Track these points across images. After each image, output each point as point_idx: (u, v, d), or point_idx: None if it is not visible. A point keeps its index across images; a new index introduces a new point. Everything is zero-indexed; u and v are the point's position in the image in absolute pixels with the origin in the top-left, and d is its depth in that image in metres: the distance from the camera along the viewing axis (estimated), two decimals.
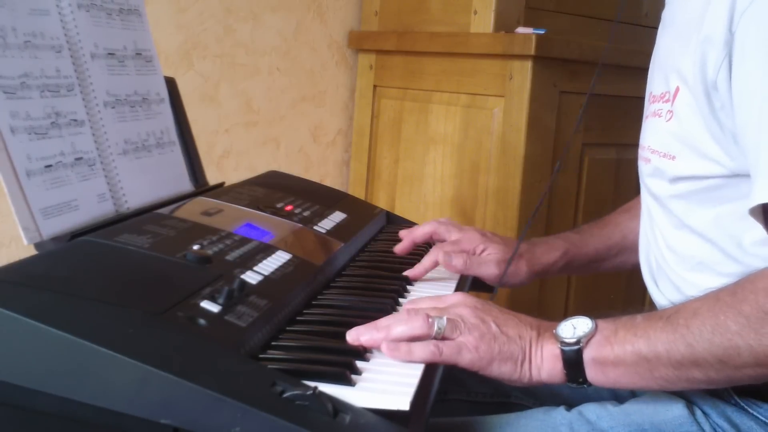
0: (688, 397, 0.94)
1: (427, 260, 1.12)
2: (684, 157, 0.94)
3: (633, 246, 1.17)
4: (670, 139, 0.96)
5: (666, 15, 1.06)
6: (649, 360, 0.81)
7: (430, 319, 0.82)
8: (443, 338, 0.83)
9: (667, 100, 0.97)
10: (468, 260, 1.13)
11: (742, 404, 0.92)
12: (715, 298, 0.81)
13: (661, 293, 1.04)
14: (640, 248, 1.11)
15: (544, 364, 0.84)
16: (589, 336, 0.83)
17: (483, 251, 1.16)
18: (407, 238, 1.20)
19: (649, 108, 1.04)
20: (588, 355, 0.83)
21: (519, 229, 1.76)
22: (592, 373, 0.83)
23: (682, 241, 0.98)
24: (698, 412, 0.92)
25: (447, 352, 0.81)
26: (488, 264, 1.15)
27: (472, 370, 0.83)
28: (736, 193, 0.90)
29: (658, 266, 1.04)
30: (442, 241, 1.20)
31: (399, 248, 1.19)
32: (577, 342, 0.83)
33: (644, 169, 1.05)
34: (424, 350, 0.80)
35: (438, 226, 1.21)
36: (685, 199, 0.96)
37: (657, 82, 1.02)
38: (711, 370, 0.79)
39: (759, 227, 0.84)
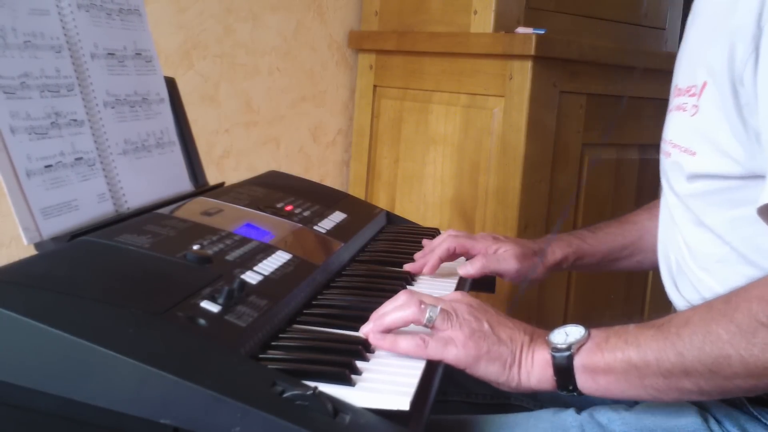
0: (700, 403, 0.93)
1: (433, 255, 1.13)
2: (704, 154, 0.93)
3: (649, 247, 1.16)
4: (693, 134, 0.94)
5: (697, 5, 1.04)
6: (638, 368, 0.80)
7: (422, 306, 0.82)
8: (434, 327, 0.83)
9: (693, 94, 0.95)
10: (485, 260, 1.14)
11: (755, 413, 0.91)
12: (708, 306, 0.80)
13: (680, 294, 1.02)
14: (658, 247, 1.09)
15: (535, 369, 0.83)
16: (581, 343, 0.82)
17: (497, 251, 1.17)
18: (432, 257, 1.15)
19: (673, 101, 1.02)
20: (578, 361, 0.82)
21: (519, 229, 1.76)
22: (582, 381, 0.82)
23: (700, 238, 0.96)
24: (711, 420, 0.91)
25: (433, 346, 0.81)
26: (507, 260, 1.16)
27: (458, 368, 0.83)
28: (754, 195, 0.87)
29: (678, 265, 1.02)
30: (463, 253, 1.19)
31: (427, 269, 1.14)
32: (568, 348, 0.82)
33: (665, 162, 1.03)
34: (409, 343, 0.80)
35: (455, 239, 1.18)
36: (701, 199, 0.95)
37: (684, 74, 1.00)
38: (701, 379, 0.78)
39: None
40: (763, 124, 0.84)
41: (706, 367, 0.77)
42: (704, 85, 0.92)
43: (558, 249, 1.22)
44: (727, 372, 0.77)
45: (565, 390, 0.83)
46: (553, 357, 0.83)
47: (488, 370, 0.83)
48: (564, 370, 0.82)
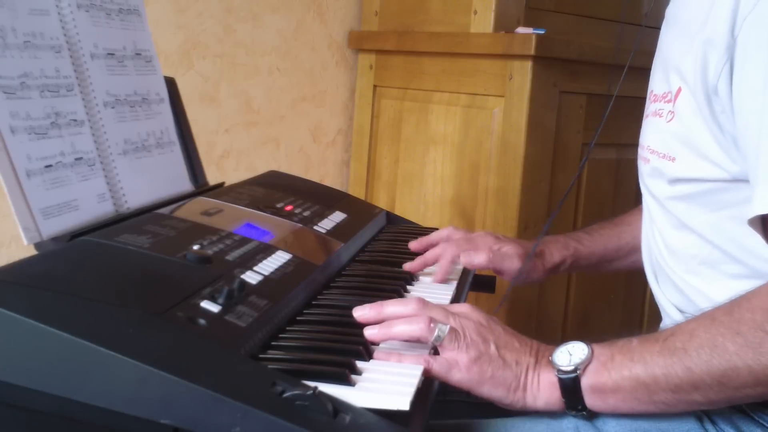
0: None
1: (444, 261, 1.11)
2: (684, 159, 0.93)
3: None
4: (671, 140, 0.95)
5: (670, 12, 1.05)
6: (647, 385, 0.80)
7: (432, 324, 0.82)
8: (440, 346, 0.82)
9: (669, 101, 0.95)
10: (491, 255, 1.14)
11: (751, 413, 0.91)
12: (710, 317, 0.80)
13: (663, 295, 1.03)
14: (642, 248, 1.10)
15: (542, 392, 0.83)
16: (586, 363, 0.82)
17: (500, 248, 1.17)
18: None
19: (649, 107, 1.03)
20: (586, 382, 0.82)
21: (519, 229, 1.76)
22: (591, 401, 0.82)
23: (682, 241, 0.97)
24: (706, 420, 0.91)
25: (437, 368, 0.80)
26: (511, 258, 1.16)
27: (462, 389, 0.82)
28: (737, 197, 0.88)
29: (659, 267, 1.03)
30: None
31: (410, 265, 1.13)
32: (575, 370, 0.82)
33: (643, 169, 1.04)
34: (415, 362, 0.80)
35: (457, 248, 1.15)
36: (684, 201, 0.95)
37: (659, 80, 1.01)
38: (710, 392, 0.78)
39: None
40: (741, 133, 0.85)
41: (715, 380, 0.78)
42: (679, 90, 0.93)
43: (556, 252, 1.23)
44: (736, 383, 0.77)
45: (574, 410, 0.83)
46: (560, 380, 0.82)
47: (492, 394, 0.83)
48: (572, 392, 0.82)
